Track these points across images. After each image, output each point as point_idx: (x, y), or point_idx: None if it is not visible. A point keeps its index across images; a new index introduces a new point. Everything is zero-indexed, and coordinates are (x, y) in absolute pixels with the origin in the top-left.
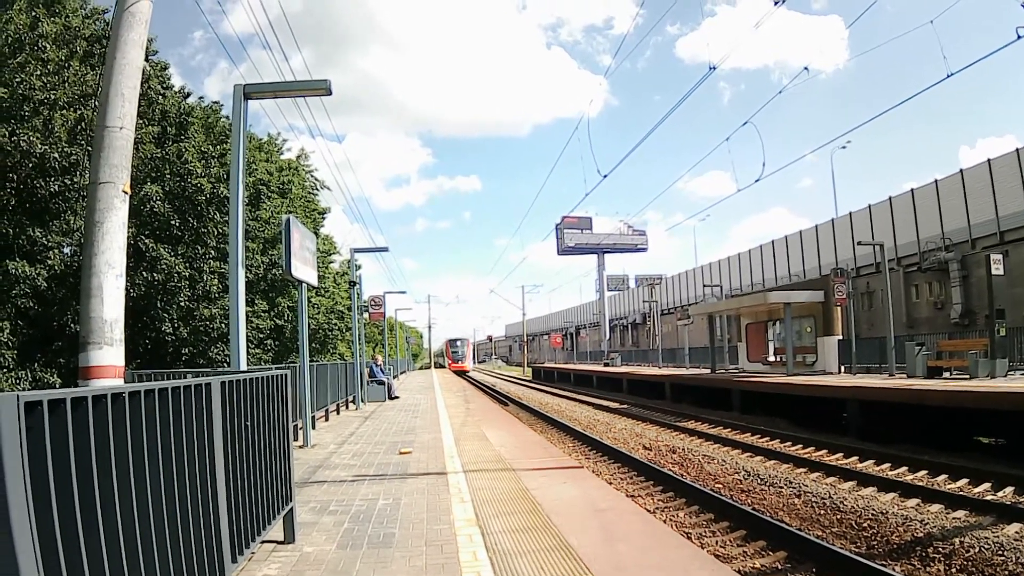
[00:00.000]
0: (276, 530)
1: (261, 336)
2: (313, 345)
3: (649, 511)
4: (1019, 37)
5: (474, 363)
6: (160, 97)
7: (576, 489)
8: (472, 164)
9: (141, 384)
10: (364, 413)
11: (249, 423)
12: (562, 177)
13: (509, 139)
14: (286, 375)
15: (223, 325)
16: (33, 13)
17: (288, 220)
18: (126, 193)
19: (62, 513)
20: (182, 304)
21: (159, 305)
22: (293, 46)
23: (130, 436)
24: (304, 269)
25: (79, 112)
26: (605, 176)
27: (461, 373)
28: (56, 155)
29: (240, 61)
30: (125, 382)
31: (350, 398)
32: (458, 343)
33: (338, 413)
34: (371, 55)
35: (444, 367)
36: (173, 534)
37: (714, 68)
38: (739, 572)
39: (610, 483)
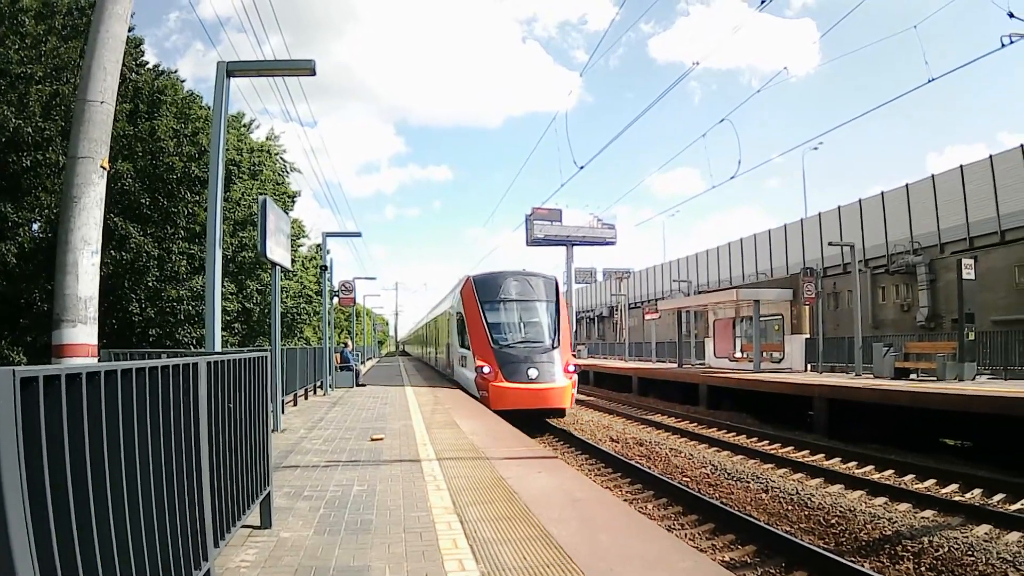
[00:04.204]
0: (252, 515)
1: (228, 319)
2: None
3: (627, 502)
4: (1003, 45)
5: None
6: (133, 73)
7: (552, 479)
8: (444, 154)
9: (132, 362)
10: (332, 399)
11: (232, 405)
12: (533, 170)
13: (482, 130)
14: (266, 357)
15: (190, 306)
16: None
17: (265, 201)
18: (104, 168)
19: (55, 495)
20: (150, 284)
21: (126, 285)
22: (269, 29)
23: (122, 415)
24: (279, 251)
25: (54, 87)
26: (582, 167)
27: (544, 413)
28: (30, 130)
29: (216, 43)
30: (99, 361)
31: (317, 383)
32: (523, 286)
33: (306, 398)
34: (346, 41)
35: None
36: (160, 517)
37: (697, 63)
38: (720, 564)
39: (583, 473)
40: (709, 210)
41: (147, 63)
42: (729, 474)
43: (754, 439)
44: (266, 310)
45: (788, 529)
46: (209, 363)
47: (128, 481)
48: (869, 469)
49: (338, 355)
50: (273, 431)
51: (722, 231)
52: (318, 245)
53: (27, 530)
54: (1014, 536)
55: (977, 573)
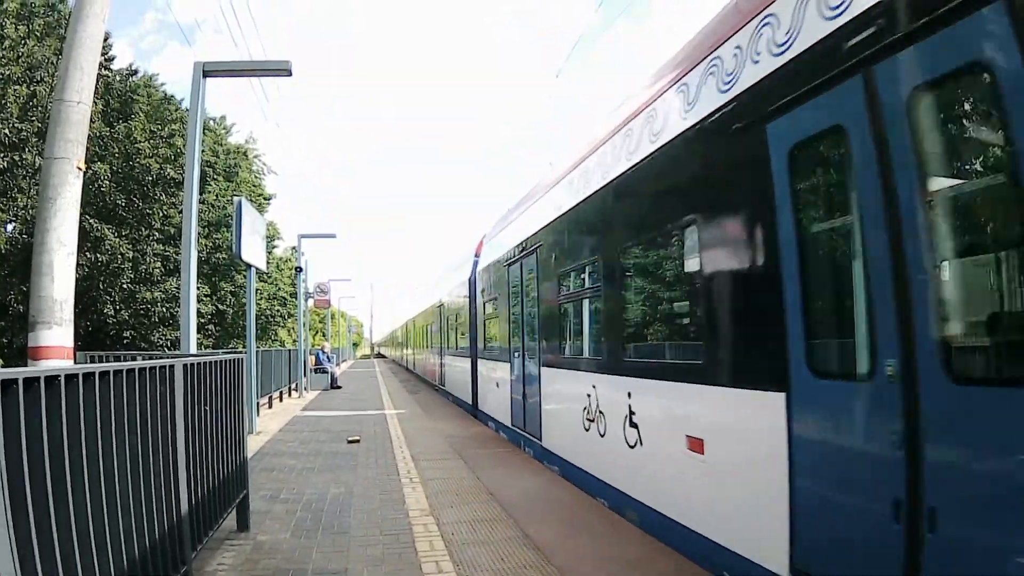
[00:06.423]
0: (229, 518)
1: (202, 321)
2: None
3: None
4: None
5: None
6: (103, 69)
7: (530, 480)
8: (421, 152)
9: (109, 364)
10: (307, 401)
11: (208, 407)
12: (512, 168)
13: (460, 128)
14: (242, 359)
15: (164, 308)
16: None
17: (240, 203)
18: (80, 169)
19: (35, 497)
20: (124, 287)
21: (101, 287)
22: (244, 32)
23: (100, 417)
24: (254, 253)
25: (32, 88)
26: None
27: None
28: (7, 131)
29: (191, 43)
30: (76, 364)
31: (293, 385)
32: None
33: (281, 400)
34: (323, 39)
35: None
36: (138, 519)
37: None
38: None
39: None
40: None
41: (115, 57)
42: None
43: None
44: (240, 312)
45: None
46: (185, 365)
47: (106, 483)
48: None
49: (313, 357)
50: (248, 433)
51: None
52: (293, 248)
53: (8, 532)
54: None
55: None
